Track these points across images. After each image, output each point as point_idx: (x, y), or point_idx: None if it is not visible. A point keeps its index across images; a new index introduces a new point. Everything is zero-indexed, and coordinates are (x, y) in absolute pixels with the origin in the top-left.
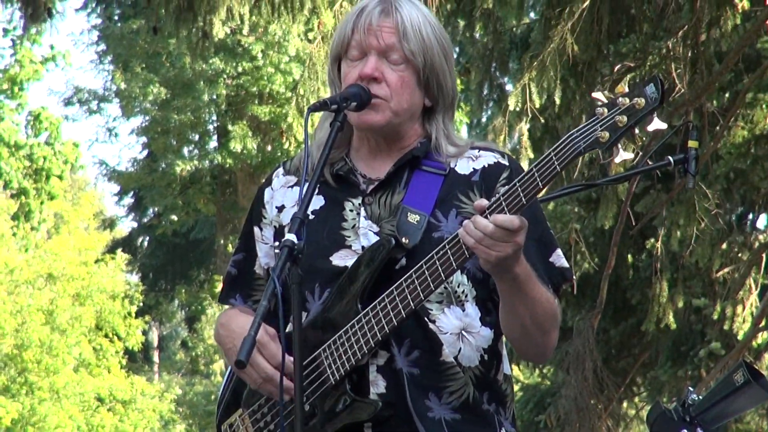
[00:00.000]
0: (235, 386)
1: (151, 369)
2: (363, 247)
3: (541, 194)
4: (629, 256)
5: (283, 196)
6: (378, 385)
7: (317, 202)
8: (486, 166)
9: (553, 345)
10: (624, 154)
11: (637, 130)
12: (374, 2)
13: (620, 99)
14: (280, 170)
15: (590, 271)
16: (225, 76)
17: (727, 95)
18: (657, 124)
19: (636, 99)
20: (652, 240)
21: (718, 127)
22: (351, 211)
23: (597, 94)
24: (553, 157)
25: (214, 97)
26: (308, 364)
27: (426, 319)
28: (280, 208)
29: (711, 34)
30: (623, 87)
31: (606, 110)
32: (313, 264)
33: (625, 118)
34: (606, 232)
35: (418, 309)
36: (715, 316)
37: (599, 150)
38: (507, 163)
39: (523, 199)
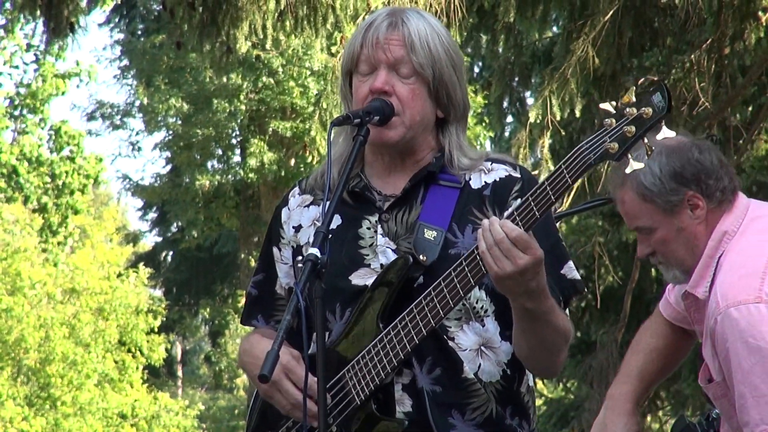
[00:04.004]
0: (263, 409)
1: (175, 384)
2: (382, 265)
3: (564, 208)
4: (653, 269)
5: (299, 215)
6: (404, 404)
7: (334, 221)
8: (497, 179)
9: (562, 363)
10: (635, 164)
11: (646, 140)
12: (382, 16)
13: (627, 109)
14: (296, 189)
15: (614, 284)
16: (246, 91)
17: (750, 109)
18: (665, 133)
19: (643, 108)
20: None
21: (741, 141)
22: (368, 229)
23: (605, 105)
24: (564, 171)
25: (235, 111)
26: (333, 384)
27: (445, 336)
28: (297, 228)
29: (734, 47)
30: (630, 97)
31: (614, 121)
32: (333, 283)
33: (633, 128)
34: (630, 245)
35: (437, 327)
36: None
37: (610, 161)
38: (519, 175)
39: (537, 213)
